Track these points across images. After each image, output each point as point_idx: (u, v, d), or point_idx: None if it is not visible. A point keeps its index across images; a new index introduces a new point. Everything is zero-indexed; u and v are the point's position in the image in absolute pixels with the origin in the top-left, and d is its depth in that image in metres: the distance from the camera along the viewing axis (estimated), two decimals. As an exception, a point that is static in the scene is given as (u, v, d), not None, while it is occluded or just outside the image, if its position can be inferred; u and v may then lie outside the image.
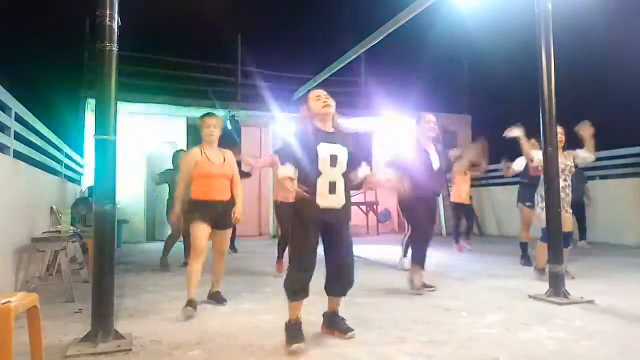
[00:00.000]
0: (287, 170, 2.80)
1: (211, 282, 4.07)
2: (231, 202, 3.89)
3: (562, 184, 4.78)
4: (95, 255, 2.97)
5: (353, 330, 2.96)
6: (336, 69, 8.95)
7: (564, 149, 4.96)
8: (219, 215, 3.82)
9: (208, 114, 3.97)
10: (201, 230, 3.73)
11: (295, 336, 2.77)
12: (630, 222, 8.13)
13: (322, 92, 3.00)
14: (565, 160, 4.87)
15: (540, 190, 4.77)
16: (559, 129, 4.86)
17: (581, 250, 7.30)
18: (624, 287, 4.51)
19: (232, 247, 7.98)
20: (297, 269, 2.85)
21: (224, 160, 3.88)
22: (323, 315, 3.09)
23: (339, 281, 2.94)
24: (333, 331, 3.00)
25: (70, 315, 3.56)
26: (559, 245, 4.14)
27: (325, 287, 2.99)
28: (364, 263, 6.47)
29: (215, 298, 3.97)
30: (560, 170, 4.78)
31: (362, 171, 3.01)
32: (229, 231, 3.97)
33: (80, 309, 3.71)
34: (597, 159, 8.86)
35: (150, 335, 3.00)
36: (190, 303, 3.61)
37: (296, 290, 2.84)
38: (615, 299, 3.96)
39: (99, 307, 2.86)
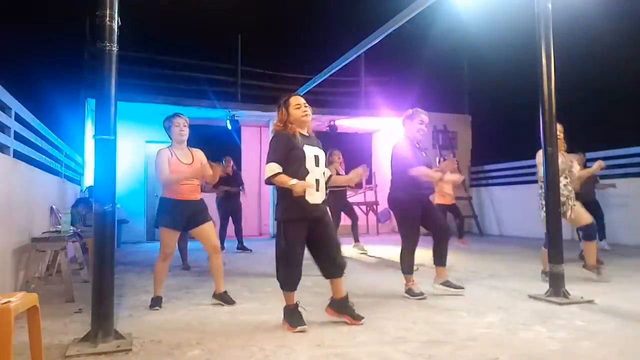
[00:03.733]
0: (275, 167, 3.12)
1: (215, 283, 3.98)
2: (201, 202, 3.94)
3: (563, 182, 4.78)
4: (95, 255, 2.98)
5: (363, 317, 3.23)
6: (336, 69, 8.93)
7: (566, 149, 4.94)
8: (191, 214, 3.84)
9: (177, 114, 3.97)
10: (170, 236, 3.81)
11: (297, 320, 3.12)
12: (630, 222, 8.13)
13: (301, 101, 3.27)
14: (566, 160, 4.86)
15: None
16: (561, 127, 4.85)
17: (599, 251, 6.97)
18: (624, 287, 4.51)
19: (243, 247, 7.96)
20: (289, 264, 3.15)
21: (193, 159, 3.89)
22: (331, 300, 3.32)
23: (335, 262, 3.23)
24: (344, 316, 3.25)
25: (70, 315, 3.57)
26: (559, 244, 4.14)
27: (325, 274, 3.27)
28: (364, 263, 6.47)
29: (223, 299, 3.92)
30: (561, 169, 4.78)
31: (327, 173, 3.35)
32: (211, 225, 3.94)
33: (80, 309, 3.71)
34: (598, 159, 8.89)
35: (150, 335, 3.00)
36: (158, 299, 3.81)
37: (290, 283, 3.18)
38: (615, 299, 3.96)
39: (99, 307, 2.86)
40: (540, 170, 4.49)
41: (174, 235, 3.85)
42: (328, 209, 3.33)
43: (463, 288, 4.18)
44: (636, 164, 8.55)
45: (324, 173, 3.30)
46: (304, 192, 3.05)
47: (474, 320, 3.33)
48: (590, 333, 2.99)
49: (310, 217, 3.14)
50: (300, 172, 3.10)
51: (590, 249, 4.85)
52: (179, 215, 3.78)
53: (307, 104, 3.26)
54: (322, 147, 3.34)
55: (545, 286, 4.12)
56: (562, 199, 4.74)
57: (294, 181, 3.03)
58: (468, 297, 4.09)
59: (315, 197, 3.15)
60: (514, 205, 10.63)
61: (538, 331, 3.06)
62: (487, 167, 12.19)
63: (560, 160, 4.79)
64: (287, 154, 3.11)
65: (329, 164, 5.86)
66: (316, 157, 3.19)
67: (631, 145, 8.65)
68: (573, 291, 3.98)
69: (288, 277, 3.18)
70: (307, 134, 3.26)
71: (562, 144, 4.88)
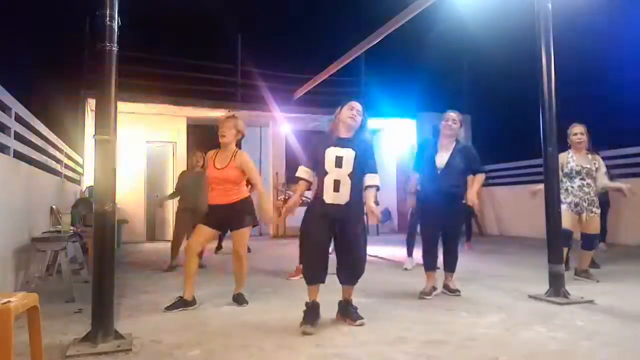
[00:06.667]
0: (300, 171, 3.31)
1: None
2: (235, 205, 3.86)
3: (578, 183, 4.76)
4: (95, 255, 2.97)
5: (363, 318, 3.23)
6: (336, 69, 8.94)
7: (589, 150, 4.91)
8: (222, 218, 3.86)
9: (226, 117, 4.04)
10: (202, 229, 3.85)
11: (308, 320, 3.10)
12: (630, 222, 8.13)
13: (357, 107, 3.32)
14: (584, 163, 4.80)
15: (588, 195, 4.76)
16: (580, 128, 4.85)
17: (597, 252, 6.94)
18: (624, 287, 4.51)
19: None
20: (307, 257, 3.26)
21: (228, 163, 3.86)
22: (338, 304, 3.35)
23: (346, 271, 3.27)
24: (345, 319, 3.27)
25: (70, 315, 3.57)
26: (558, 244, 4.13)
27: (337, 276, 3.31)
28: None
29: (236, 300, 3.93)
30: (575, 171, 4.78)
31: (367, 181, 3.27)
32: (243, 232, 3.91)
33: (80, 309, 3.71)
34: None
35: (150, 335, 3.00)
36: (180, 301, 3.74)
37: (310, 275, 3.22)
38: (615, 299, 3.96)
39: (99, 307, 2.86)
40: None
41: (202, 231, 3.84)
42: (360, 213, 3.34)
43: (459, 294, 4.16)
44: (636, 164, 8.55)
45: (348, 174, 3.19)
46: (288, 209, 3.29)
47: (474, 320, 3.33)
48: (590, 333, 2.99)
49: (323, 214, 3.17)
50: (319, 172, 3.23)
51: (587, 257, 4.88)
52: (212, 217, 3.87)
53: (361, 112, 3.32)
54: (362, 149, 3.25)
55: (545, 286, 4.12)
56: (576, 199, 4.74)
57: (292, 200, 3.32)
58: (468, 297, 4.09)
59: (332, 197, 3.16)
60: (514, 205, 10.63)
61: (538, 331, 3.06)
62: (487, 167, 12.18)
63: (574, 162, 4.79)
64: (316, 156, 3.27)
65: None
66: (338, 159, 3.18)
67: (631, 145, 8.65)
68: (573, 291, 3.98)
69: (306, 269, 3.28)
70: (345, 136, 3.28)
71: (583, 145, 4.86)
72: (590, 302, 3.82)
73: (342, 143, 3.24)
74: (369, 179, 3.27)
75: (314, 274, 3.21)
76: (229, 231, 4.01)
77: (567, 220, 4.47)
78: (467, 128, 12.65)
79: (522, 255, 7.05)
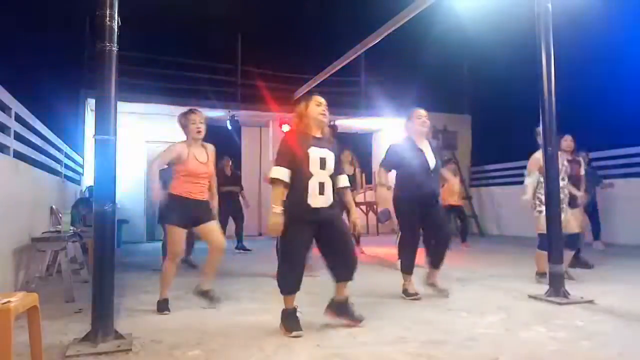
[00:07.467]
0: (279, 172, 3.05)
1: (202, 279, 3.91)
2: (206, 200, 3.84)
3: (560, 183, 4.76)
4: (95, 255, 2.98)
5: (363, 319, 3.19)
6: (336, 69, 8.93)
7: (573, 152, 4.96)
8: (198, 213, 3.75)
9: (192, 110, 3.91)
10: (179, 234, 3.69)
11: (293, 325, 3.02)
12: (630, 222, 8.12)
13: (323, 102, 3.22)
14: (564, 162, 4.87)
15: (539, 194, 4.73)
16: (570, 138, 4.98)
17: (594, 251, 6.97)
18: (624, 287, 4.51)
19: (244, 247, 7.94)
20: (289, 267, 3.09)
21: (208, 158, 3.85)
22: (332, 300, 3.26)
23: (343, 269, 3.16)
24: (343, 318, 3.19)
25: (70, 315, 3.57)
26: (559, 244, 4.13)
27: (332, 275, 3.20)
28: (364, 263, 6.47)
29: (207, 296, 3.82)
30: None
31: (341, 182, 3.25)
32: (216, 223, 3.85)
33: (80, 309, 3.71)
34: (598, 159, 8.92)
35: (150, 335, 3.00)
36: (165, 302, 3.72)
37: (287, 285, 3.10)
38: (615, 299, 3.96)
39: (99, 307, 2.86)
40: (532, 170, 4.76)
41: (182, 234, 3.72)
42: (340, 211, 3.27)
43: (447, 295, 4.08)
44: (636, 164, 8.55)
45: (336, 177, 3.18)
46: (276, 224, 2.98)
47: (474, 320, 3.33)
48: (590, 333, 2.99)
49: (310, 219, 3.04)
50: (302, 174, 3.03)
51: (567, 256, 4.84)
52: (187, 213, 3.68)
53: (326, 107, 3.22)
54: (336, 150, 3.22)
55: (545, 286, 4.12)
56: None
57: (277, 210, 2.98)
58: (468, 297, 4.09)
59: (318, 200, 3.03)
60: (514, 205, 10.55)
61: (538, 331, 3.06)
62: (487, 167, 12.19)
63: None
64: (293, 157, 3.06)
65: None
66: (322, 160, 3.06)
67: (631, 145, 8.66)
68: (573, 291, 3.98)
69: (285, 279, 3.10)
70: (319, 136, 3.17)
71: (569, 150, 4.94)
72: (590, 302, 3.82)
73: (320, 143, 3.12)
74: (342, 180, 3.24)
75: (294, 285, 3.08)
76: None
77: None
78: (467, 128, 12.70)
79: (522, 255, 7.05)
